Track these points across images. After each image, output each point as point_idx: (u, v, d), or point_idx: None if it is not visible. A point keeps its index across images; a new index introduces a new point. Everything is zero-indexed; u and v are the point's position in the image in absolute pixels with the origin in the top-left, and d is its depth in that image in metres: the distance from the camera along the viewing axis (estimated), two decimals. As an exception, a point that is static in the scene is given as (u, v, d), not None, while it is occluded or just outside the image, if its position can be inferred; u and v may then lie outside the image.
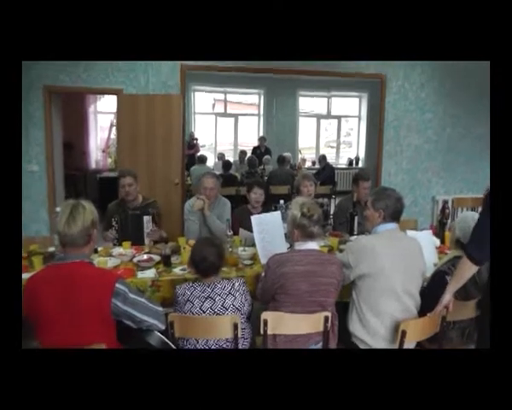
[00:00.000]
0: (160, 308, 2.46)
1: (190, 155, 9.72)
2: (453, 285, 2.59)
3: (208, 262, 2.71)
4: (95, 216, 2.32)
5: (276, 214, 3.41)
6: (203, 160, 8.85)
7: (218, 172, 7.79)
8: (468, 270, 2.50)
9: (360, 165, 11.79)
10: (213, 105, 11.90)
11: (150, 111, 5.83)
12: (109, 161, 10.81)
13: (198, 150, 10.34)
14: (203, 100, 11.54)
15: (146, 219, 3.99)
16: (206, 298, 2.69)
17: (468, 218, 2.84)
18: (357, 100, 12.04)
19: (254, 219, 3.38)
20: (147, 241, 3.93)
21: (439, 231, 4.20)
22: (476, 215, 2.61)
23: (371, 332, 2.75)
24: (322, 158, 10.00)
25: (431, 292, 2.80)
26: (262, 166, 9.00)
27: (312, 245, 2.76)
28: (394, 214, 2.86)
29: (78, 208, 2.27)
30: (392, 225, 2.86)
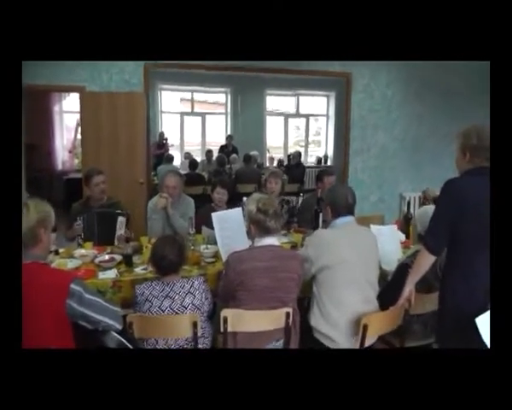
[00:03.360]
0: (118, 308, 2.42)
1: (160, 154, 9.64)
2: (412, 277, 2.61)
3: (167, 260, 2.67)
4: (43, 215, 2.24)
5: (237, 211, 3.37)
6: (170, 159, 8.79)
7: (184, 172, 7.75)
8: (425, 260, 2.52)
9: (329, 163, 11.83)
10: (179, 104, 11.77)
11: (113, 109, 5.74)
12: (76, 161, 10.59)
13: (167, 150, 10.21)
14: (170, 99, 11.41)
15: (121, 219, 3.88)
16: (165, 297, 2.65)
17: (428, 212, 2.87)
18: (325, 99, 12.08)
19: (215, 216, 3.33)
20: (116, 242, 3.83)
21: (405, 226, 4.24)
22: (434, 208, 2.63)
23: (332, 324, 2.75)
24: (298, 155, 10.03)
25: (394, 285, 2.83)
26: (229, 165, 8.95)
27: (271, 241, 2.75)
28: (347, 207, 2.92)
29: (21, 210, 2.18)
30: (348, 219, 2.92)
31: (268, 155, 11.61)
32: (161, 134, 10.54)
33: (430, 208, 2.90)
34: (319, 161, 11.91)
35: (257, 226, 2.74)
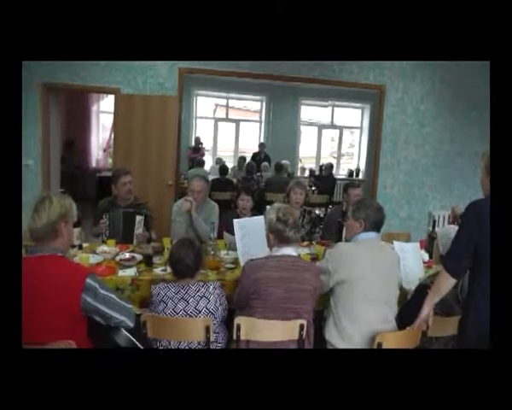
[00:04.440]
0: (130, 306, 2.44)
1: (194, 158, 9.78)
2: (431, 298, 2.54)
3: (183, 264, 2.68)
4: (64, 210, 2.27)
5: (259, 219, 3.34)
6: (200, 163, 8.85)
7: (214, 177, 7.79)
8: (445, 282, 2.46)
9: (360, 177, 11.73)
10: (214, 110, 11.90)
11: (146, 112, 5.84)
12: (109, 160, 10.79)
13: (203, 155, 10.39)
14: (205, 104, 11.54)
15: (138, 218, 3.95)
16: (180, 300, 2.66)
17: (450, 232, 2.80)
18: (359, 111, 12.03)
19: (236, 222, 3.34)
20: (135, 241, 3.90)
21: (429, 245, 4.15)
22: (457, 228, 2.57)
23: (347, 340, 2.70)
24: (330, 166, 9.99)
25: (413, 306, 2.75)
26: (259, 173, 8.96)
27: (288, 251, 2.73)
28: (375, 224, 2.85)
29: (44, 202, 2.22)
30: (372, 234, 2.86)
31: (300, 164, 11.59)
32: (197, 139, 10.75)
33: (453, 229, 2.82)
34: (351, 173, 11.83)
35: (276, 235, 2.74)
